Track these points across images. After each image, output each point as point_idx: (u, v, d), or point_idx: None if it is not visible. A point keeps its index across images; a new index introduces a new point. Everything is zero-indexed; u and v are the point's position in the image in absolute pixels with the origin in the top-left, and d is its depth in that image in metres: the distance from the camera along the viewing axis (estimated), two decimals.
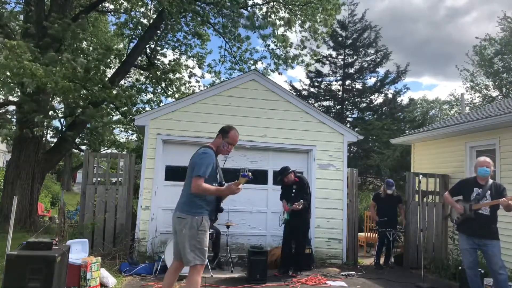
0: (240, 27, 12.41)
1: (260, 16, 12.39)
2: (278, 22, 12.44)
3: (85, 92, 9.55)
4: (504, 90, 24.91)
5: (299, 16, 12.19)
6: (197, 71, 14.42)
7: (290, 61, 13.18)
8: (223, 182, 3.90)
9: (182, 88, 14.64)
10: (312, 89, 20.42)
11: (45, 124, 8.78)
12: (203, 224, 3.67)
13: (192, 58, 14.50)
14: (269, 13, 12.33)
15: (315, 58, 14.75)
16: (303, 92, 20.22)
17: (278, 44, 13.04)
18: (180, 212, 3.71)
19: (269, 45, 13.19)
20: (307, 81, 20.46)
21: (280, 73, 13.59)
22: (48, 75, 7.81)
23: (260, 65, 13.57)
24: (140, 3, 12.91)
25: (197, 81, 14.29)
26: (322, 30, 12.45)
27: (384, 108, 19.16)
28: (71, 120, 10.15)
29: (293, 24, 12.10)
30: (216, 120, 7.47)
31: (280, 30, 12.83)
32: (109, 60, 12.06)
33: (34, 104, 8.86)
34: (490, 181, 4.92)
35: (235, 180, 3.78)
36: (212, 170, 3.71)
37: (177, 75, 14.49)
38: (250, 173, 3.63)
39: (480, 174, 4.90)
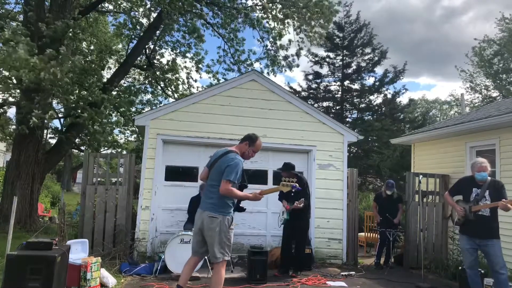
0: (238, 20, 12.38)
1: (259, 15, 12.40)
2: (274, 23, 12.47)
3: (84, 92, 9.56)
4: (503, 90, 24.93)
5: (296, 19, 12.18)
6: (195, 74, 14.37)
7: (285, 63, 13.25)
8: (246, 184, 4.26)
9: (180, 87, 14.65)
10: (311, 90, 20.45)
11: (46, 120, 8.74)
12: (232, 222, 4.11)
13: (190, 60, 14.49)
14: (266, 7, 12.30)
15: (313, 60, 14.78)
16: (302, 93, 20.24)
17: (274, 44, 13.07)
18: (212, 211, 4.00)
19: (266, 46, 13.23)
20: (306, 82, 20.52)
21: (275, 75, 13.60)
22: (44, 67, 7.76)
23: (257, 65, 13.62)
24: (139, 3, 12.91)
25: (191, 86, 14.21)
26: (320, 31, 12.45)
27: (383, 108, 19.18)
28: (70, 121, 10.13)
29: (290, 18, 12.06)
30: (216, 120, 7.48)
31: (278, 30, 12.84)
32: (105, 60, 12.08)
33: (32, 105, 8.85)
34: (489, 178, 4.90)
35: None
36: (238, 175, 4.04)
37: (176, 75, 14.51)
38: (297, 185, 4.13)
39: (478, 179, 4.89)
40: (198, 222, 4.10)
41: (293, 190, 4.16)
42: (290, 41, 13.02)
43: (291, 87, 20.83)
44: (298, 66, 13.53)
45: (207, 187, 4.19)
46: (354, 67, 19.80)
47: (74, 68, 8.75)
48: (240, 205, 4.31)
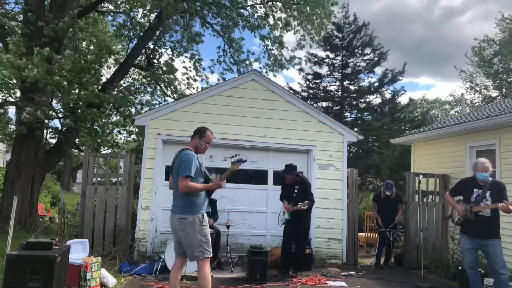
0: (238, 26, 12.39)
1: (260, 14, 12.40)
2: (276, 22, 12.45)
3: (83, 93, 9.56)
4: (504, 90, 24.94)
5: (296, 16, 12.16)
6: (194, 73, 14.36)
7: (285, 63, 13.27)
8: (210, 177, 4.18)
9: (179, 87, 14.64)
10: (310, 90, 20.45)
11: (38, 115, 8.71)
12: (204, 219, 4.00)
13: (190, 60, 14.48)
14: (268, 14, 12.32)
15: (312, 60, 14.73)
16: (302, 93, 20.24)
17: (275, 46, 13.09)
18: (180, 213, 3.97)
19: (267, 45, 13.23)
20: (306, 83, 20.51)
21: (274, 75, 13.55)
22: (27, 67, 7.75)
23: (256, 65, 13.55)
24: (138, 4, 12.91)
25: (189, 86, 14.28)
26: (320, 29, 12.46)
27: (383, 108, 19.17)
28: (66, 122, 10.10)
29: (291, 25, 12.11)
30: (216, 120, 7.47)
31: (277, 33, 12.88)
32: (104, 59, 12.06)
33: (32, 104, 8.85)
34: (490, 179, 4.89)
35: (232, 178, 4.02)
36: (197, 168, 3.98)
37: (175, 75, 14.50)
38: (242, 157, 4.01)
39: (479, 179, 4.86)
40: (172, 225, 4.08)
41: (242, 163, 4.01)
42: (294, 49, 13.07)
43: (291, 87, 20.84)
44: (300, 63, 13.58)
45: (173, 191, 4.16)
46: (354, 67, 19.81)
47: (63, 65, 8.70)
48: (210, 198, 4.25)
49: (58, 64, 8.55)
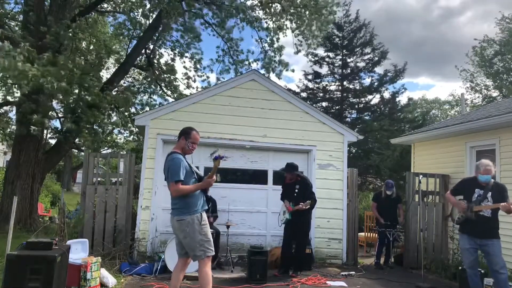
0: (237, 18, 12.35)
1: (258, 13, 12.39)
2: (272, 23, 12.46)
3: (83, 93, 9.57)
4: (504, 90, 24.94)
5: (294, 18, 12.15)
6: (194, 74, 14.38)
7: (283, 66, 13.26)
8: (200, 175, 4.17)
9: (180, 87, 14.66)
10: (310, 90, 20.45)
11: (46, 124, 8.76)
12: (203, 218, 4.02)
13: (190, 60, 14.47)
14: (266, 7, 12.28)
15: (312, 60, 14.68)
16: (302, 93, 20.25)
17: (272, 45, 13.07)
18: (178, 215, 3.99)
19: (264, 47, 13.24)
20: (306, 82, 20.52)
21: (267, 76, 13.41)
22: (44, 76, 7.78)
23: (255, 66, 13.49)
24: (138, 3, 12.91)
25: (189, 86, 14.26)
26: (317, 33, 12.45)
27: (383, 108, 19.17)
28: (65, 124, 10.11)
29: (287, 12, 12.06)
30: (216, 120, 7.48)
31: (277, 26, 12.81)
32: (104, 60, 12.05)
33: (33, 105, 8.86)
34: (492, 181, 4.89)
35: (233, 178, 3.97)
36: (186, 170, 3.98)
37: (176, 76, 14.51)
38: (220, 153, 3.97)
39: (482, 181, 4.86)
40: (173, 227, 4.11)
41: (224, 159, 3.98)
42: (282, 47, 12.95)
43: (290, 88, 20.84)
44: (293, 71, 13.58)
45: (170, 194, 4.13)
46: (354, 67, 19.79)
47: (74, 74, 8.74)
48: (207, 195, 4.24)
49: (68, 70, 8.57)
